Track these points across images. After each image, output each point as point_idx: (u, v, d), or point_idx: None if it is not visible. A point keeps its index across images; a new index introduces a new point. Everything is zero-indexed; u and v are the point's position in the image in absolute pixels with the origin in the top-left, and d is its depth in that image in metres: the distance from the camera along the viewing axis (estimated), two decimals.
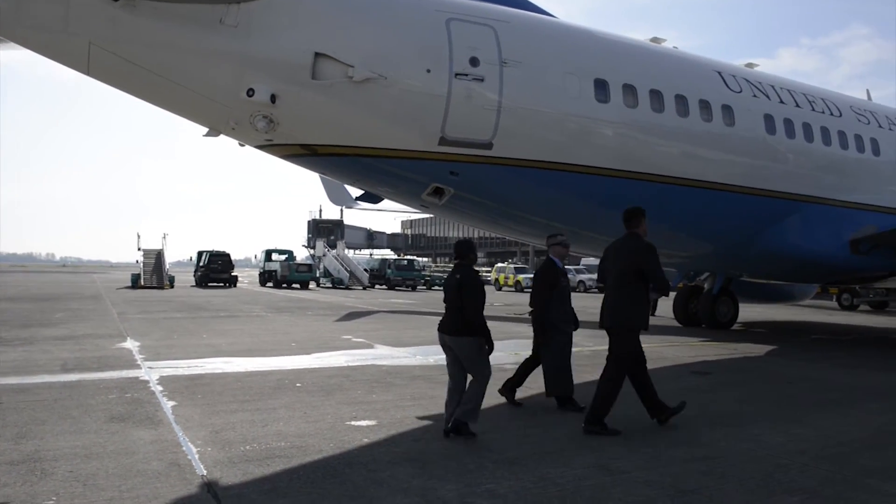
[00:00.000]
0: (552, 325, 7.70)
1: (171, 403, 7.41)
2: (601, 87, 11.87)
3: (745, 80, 14.08)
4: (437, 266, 74.12)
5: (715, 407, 7.77)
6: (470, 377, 6.44)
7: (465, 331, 6.32)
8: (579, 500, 4.60)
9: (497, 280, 51.59)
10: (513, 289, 48.41)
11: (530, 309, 8.01)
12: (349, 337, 14.44)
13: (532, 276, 50.09)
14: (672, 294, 20.39)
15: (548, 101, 11.51)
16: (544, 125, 11.49)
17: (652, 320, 20.27)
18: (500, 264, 58.31)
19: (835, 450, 6.05)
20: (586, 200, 12.23)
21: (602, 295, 7.23)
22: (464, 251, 6.62)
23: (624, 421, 7.01)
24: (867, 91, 19.69)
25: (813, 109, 14.80)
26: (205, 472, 5.03)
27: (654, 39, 14.88)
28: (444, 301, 6.58)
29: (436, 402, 7.73)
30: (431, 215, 35.65)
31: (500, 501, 4.54)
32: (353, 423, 6.66)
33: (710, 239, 14.14)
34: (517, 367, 8.19)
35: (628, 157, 12.11)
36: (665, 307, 23.57)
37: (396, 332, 15.95)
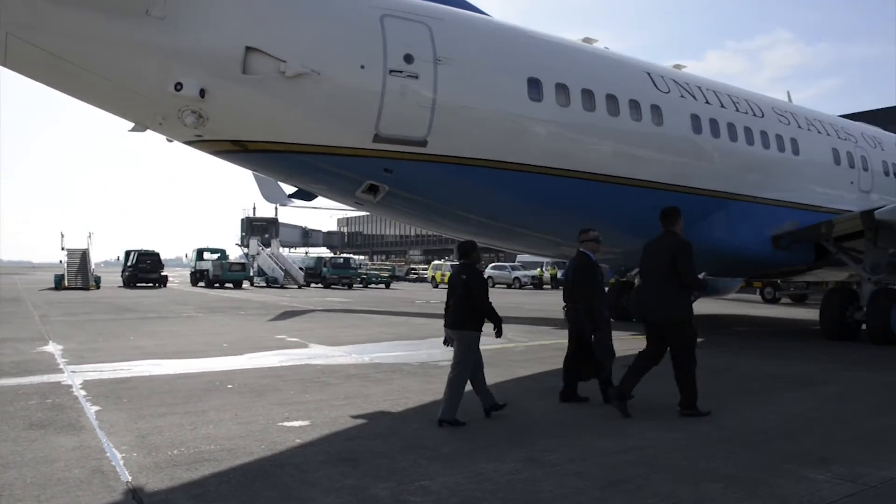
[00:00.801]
0: (600, 313, 7.92)
1: (95, 408, 7.15)
2: (534, 85, 11.99)
3: (673, 81, 14.47)
4: (374, 264, 73.76)
5: (644, 399, 7.92)
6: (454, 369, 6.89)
7: (467, 325, 6.87)
8: (511, 494, 4.65)
9: (433, 277, 51.66)
10: None
11: (564, 305, 8.26)
12: (283, 337, 14.23)
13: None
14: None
15: (482, 99, 11.57)
16: (478, 123, 11.54)
17: None
18: (436, 261, 58.43)
19: (756, 437, 6.28)
20: (520, 198, 12.34)
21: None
22: (467, 251, 7.30)
23: (553, 414, 7.14)
24: (787, 93, 20.51)
25: (737, 110, 15.32)
26: (129, 479, 4.87)
27: (586, 40, 15.12)
28: (448, 298, 7.11)
29: (370, 400, 7.72)
30: (368, 213, 35.42)
31: (432, 498, 4.55)
32: (285, 423, 6.56)
33: (641, 235, 14.37)
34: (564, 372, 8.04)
35: (561, 155, 12.28)
36: None
37: (332, 331, 15.80)
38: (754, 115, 15.64)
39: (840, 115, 22.22)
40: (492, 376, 9.32)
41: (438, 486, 4.77)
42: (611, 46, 16.12)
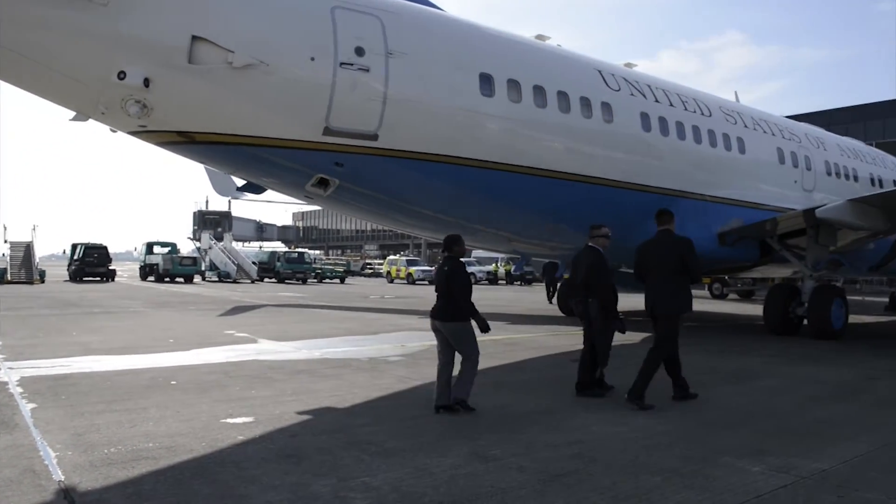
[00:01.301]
0: (614, 307, 8.16)
1: (31, 406, 6.94)
2: (486, 81, 12.02)
3: (624, 79, 14.65)
4: (330, 259, 73.18)
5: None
6: (461, 357, 7.03)
7: (456, 316, 6.97)
8: (453, 489, 4.65)
9: (388, 272, 51.50)
10: (405, 281, 48.48)
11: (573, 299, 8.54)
12: (232, 332, 14.01)
13: (427, 268, 50.59)
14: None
15: (434, 93, 11.55)
16: (430, 117, 11.53)
17: (538, 311, 21.00)
18: (391, 256, 58.19)
19: (696, 430, 6.41)
20: (472, 193, 12.37)
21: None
22: (450, 244, 7.30)
23: (498, 408, 7.17)
24: (735, 93, 20.95)
25: (685, 109, 15.59)
26: (62, 478, 4.73)
27: (539, 37, 15.21)
28: (436, 290, 7.19)
29: (317, 396, 7.65)
30: (321, 207, 35.10)
31: (373, 494, 4.52)
32: (228, 420, 6.45)
33: None
34: (583, 364, 8.23)
35: (512, 151, 12.35)
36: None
37: (282, 326, 15.63)
38: (702, 114, 15.95)
39: (786, 116, 22.79)
40: None
41: (380, 481, 4.75)
42: (566, 45, 16.23)
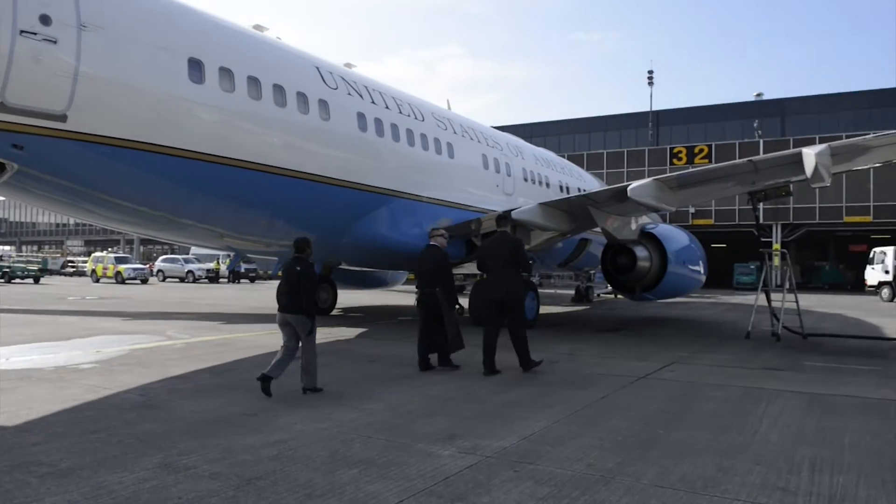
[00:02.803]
0: (454, 294, 10.08)
1: None
2: (196, 66, 11.36)
3: (342, 79, 14.81)
4: (23, 255, 64.37)
5: (296, 391, 7.97)
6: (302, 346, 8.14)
7: (303, 309, 8.02)
8: None
9: (94, 271, 46.63)
10: (113, 280, 44.36)
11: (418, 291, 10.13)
12: None
13: (140, 266, 46.71)
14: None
15: (134, 75, 10.59)
16: (130, 101, 10.55)
17: (259, 309, 20.44)
18: (97, 253, 52.85)
19: (397, 420, 6.65)
20: (179, 185, 11.58)
21: None
22: (303, 246, 8.40)
23: (198, 413, 6.80)
24: (447, 101, 22.36)
25: (400, 112, 16.22)
26: None
27: (257, 27, 14.77)
28: (285, 286, 8.11)
29: None
30: (14, 198, 30.60)
31: None
32: None
33: (308, 228, 14.47)
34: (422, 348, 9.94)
35: (224, 143, 11.78)
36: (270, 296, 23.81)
37: None
38: (416, 118, 16.71)
39: (497, 126, 24.84)
40: (140, 377, 8.69)
41: None
42: (291, 41, 15.98)
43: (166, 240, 16.72)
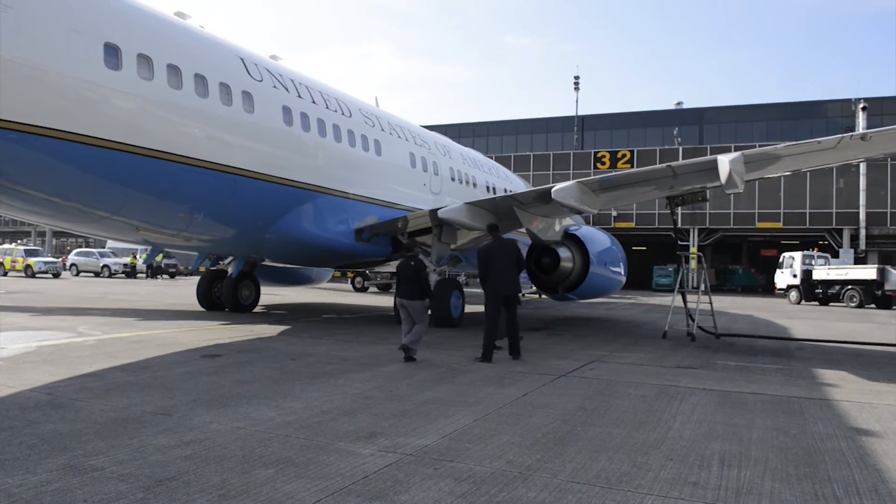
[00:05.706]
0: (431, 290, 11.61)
1: None
2: (112, 52, 10.92)
3: (267, 71, 14.52)
4: None
5: (216, 389, 7.77)
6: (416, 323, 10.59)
7: (417, 297, 10.60)
8: None
9: (2, 264, 44.27)
10: (22, 274, 42.25)
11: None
12: None
13: (52, 260, 44.59)
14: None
15: (46, 58, 10.11)
16: (40, 85, 10.05)
17: (179, 306, 19.82)
18: (5, 245, 50.26)
19: (317, 419, 6.55)
20: (93, 175, 11.11)
21: None
22: (412, 246, 10.95)
23: (110, 412, 6.54)
24: (375, 98, 22.19)
25: (327, 107, 16.02)
26: None
27: (179, 14, 14.30)
28: (403, 278, 10.70)
29: None
30: None
31: None
32: None
33: (230, 223, 14.22)
34: None
35: (141, 132, 11.37)
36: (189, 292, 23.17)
37: None
38: (343, 114, 16.55)
39: (423, 125, 24.85)
40: (47, 375, 8.30)
41: None
42: (216, 30, 15.53)
43: (80, 232, 16.00)
